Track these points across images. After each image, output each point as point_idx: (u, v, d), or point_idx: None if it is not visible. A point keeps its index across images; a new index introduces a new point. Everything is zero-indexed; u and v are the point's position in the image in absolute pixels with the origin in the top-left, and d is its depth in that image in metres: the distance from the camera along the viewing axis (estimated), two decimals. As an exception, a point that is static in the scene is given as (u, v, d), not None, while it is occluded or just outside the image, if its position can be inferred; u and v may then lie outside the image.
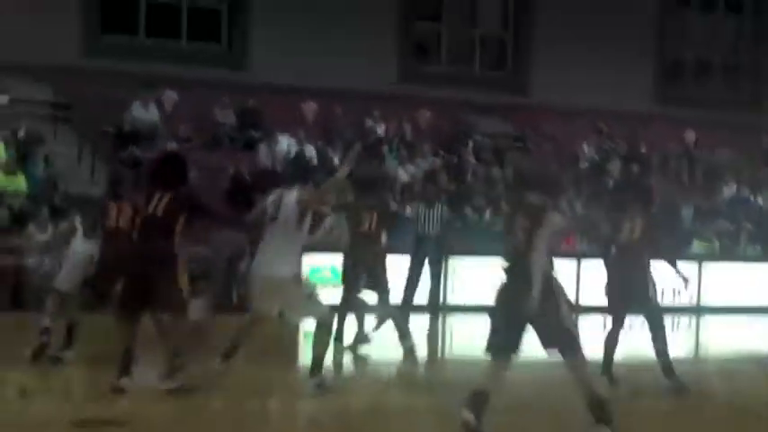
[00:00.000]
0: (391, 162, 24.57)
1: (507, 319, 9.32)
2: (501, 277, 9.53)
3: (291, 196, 11.20)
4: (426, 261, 18.61)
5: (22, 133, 21.49)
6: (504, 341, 9.37)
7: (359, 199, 14.80)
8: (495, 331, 9.45)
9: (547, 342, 9.34)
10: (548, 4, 28.64)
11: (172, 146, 22.15)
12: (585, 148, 27.18)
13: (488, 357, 9.46)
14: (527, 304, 9.06)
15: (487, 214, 23.64)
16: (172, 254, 10.97)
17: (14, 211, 19.85)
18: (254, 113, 24.78)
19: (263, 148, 23.76)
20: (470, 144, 26.24)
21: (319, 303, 11.37)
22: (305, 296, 11.21)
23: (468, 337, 17.77)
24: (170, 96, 24.23)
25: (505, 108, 27.77)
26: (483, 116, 27.54)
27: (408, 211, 20.33)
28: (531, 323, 9.25)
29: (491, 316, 9.49)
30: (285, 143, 24.01)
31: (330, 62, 25.45)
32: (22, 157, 20.98)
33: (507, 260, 9.49)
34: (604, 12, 28.43)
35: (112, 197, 12.83)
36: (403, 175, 24.30)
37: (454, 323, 19.90)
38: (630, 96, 28.41)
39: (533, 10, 28.81)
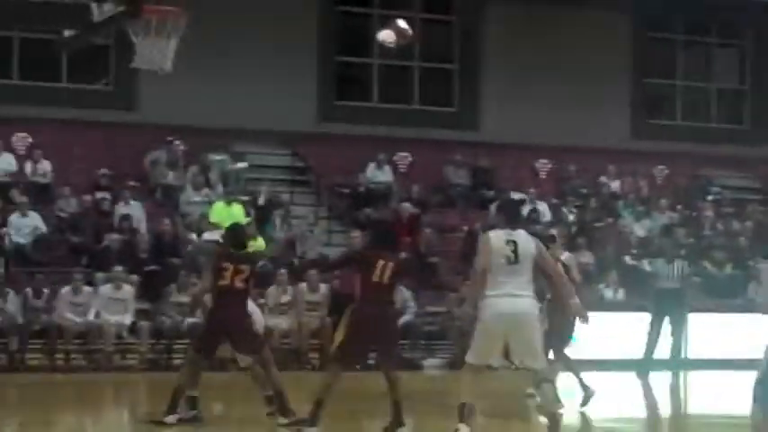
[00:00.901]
0: (627, 217, 24.25)
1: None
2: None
3: (530, 244, 10.84)
4: (667, 317, 18.26)
5: (261, 197, 22.03)
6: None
7: None
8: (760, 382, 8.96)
9: None
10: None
11: (406, 206, 22.41)
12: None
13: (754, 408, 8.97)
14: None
15: (728, 268, 23.06)
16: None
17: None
18: (486, 172, 24.81)
19: (495, 207, 23.72)
20: (709, 197, 25.67)
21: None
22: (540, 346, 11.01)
23: (710, 393, 17.31)
24: (403, 157, 24.54)
25: (744, 161, 27.06)
26: (721, 169, 26.93)
27: (647, 266, 19.94)
28: None
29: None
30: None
31: (561, 120, 25.31)
32: (262, 221, 21.46)
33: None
34: None
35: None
36: (639, 230, 23.93)
37: (695, 379, 19.38)
38: None
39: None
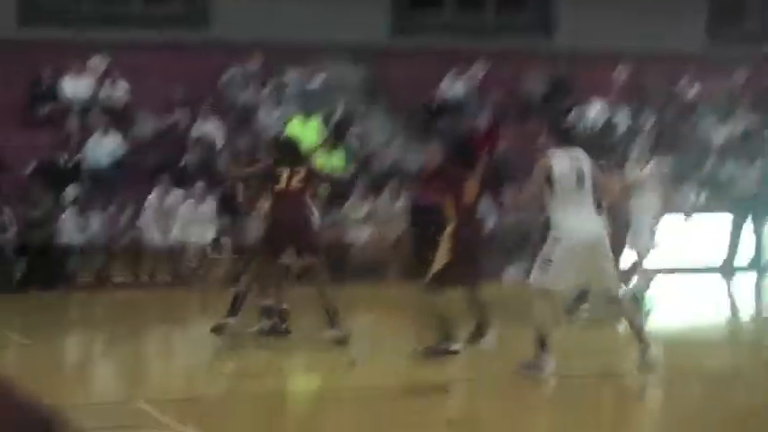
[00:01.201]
0: (706, 123, 23.97)
1: None
2: None
3: (588, 164, 10.66)
4: (748, 220, 18.09)
5: (337, 113, 22.04)
6: None
7: None
8: None
9: None
10: None
11: (482, 119, 22.30)
12: None
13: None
14: None
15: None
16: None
17: (333, 189, 20.35)
18: (563, 81, 24.61)
19: (574, 116, 23.54)
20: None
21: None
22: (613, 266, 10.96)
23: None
24: (478, 69, 24.35)
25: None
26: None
27: (726, 171, 19.76)
28: None
29: None
30: (596, 109, 23.75)
31: (638, 25, 25.00)
32: (338, 137, 21.49)
33: None
34: None
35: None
36: (718, 135, 23.66)
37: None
38: None
39: None
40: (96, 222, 18.43)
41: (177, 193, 19.25)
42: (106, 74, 22.25)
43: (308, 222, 12.27)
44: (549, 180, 10.30)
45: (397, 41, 24.27)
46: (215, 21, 22.87)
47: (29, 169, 19.78)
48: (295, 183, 11.99)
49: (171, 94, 21.91)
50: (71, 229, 18.14)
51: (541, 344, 10.26)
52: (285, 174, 12.03)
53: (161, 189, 19.21)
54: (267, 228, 12.44)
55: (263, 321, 12.56)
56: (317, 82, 22.90)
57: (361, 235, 19.23)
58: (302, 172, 12.09)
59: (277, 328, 12.57)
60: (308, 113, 21.32)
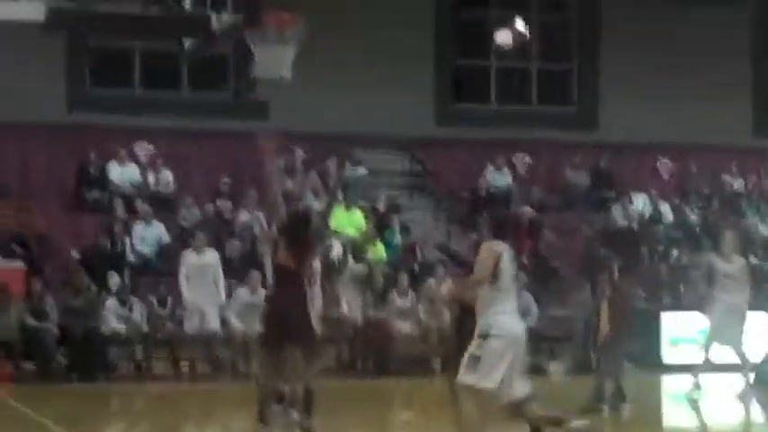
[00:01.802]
0: (751, 216, 23.79)
1: None
2: None
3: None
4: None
5: (380, 203, 22.05)
6: None
7: None
8: None
9: None
10: None
11: (526, 209, 22.23)
12: None
13: None
14: None
15: None
16: None
17: (377, 278, 20.28)
18: (606, 173, 24.54)
19: (617, 208, 23.45)
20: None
21: None
22: None
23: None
24: (522, 159, 24.38)
25: None
26: None
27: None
28: None
29: None
30: (640, 202, 23.66)
31: (682, 117, 24.94)
32: (381, 226, 21.49)
33: None
34: None
35: None
36: (764, 229, 23.48)
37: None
38: None
39: None
40: (138, 311, 18.40)
41: (221, 281, 19.07)
42: (152, 161, 22.39)
43: (300, 313, 11.02)
44: (495, 268, 9.98)
45: (441, 132, 24.35)
46: (262, 111, 23.02)
47: (73, 255, 19.86)
48: (294, 261, 10.96)
49: (215, 182, 22.00)
50: (113, 317, 18.12)
51: None
52: (283, 246, 11.04)
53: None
54: (262, 316, 11.60)
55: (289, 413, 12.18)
56: (361, 171, 22.95)
57: (405, 326, 19.10)
58: (305, 252, 11.03)
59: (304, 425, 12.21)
60: (351, 203, 21.41)
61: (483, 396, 9.83)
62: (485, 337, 9.71)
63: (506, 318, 9.76)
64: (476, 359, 9.70)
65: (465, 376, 9.75)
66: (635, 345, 16.61)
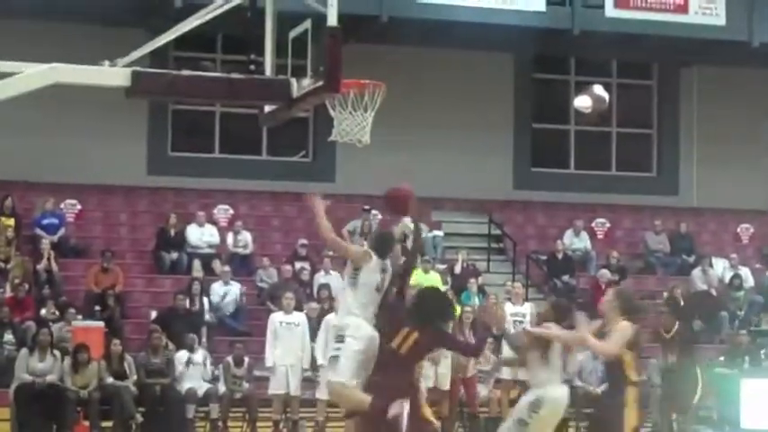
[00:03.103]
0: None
1: None
2: None
3: None
4: None
5: (458, 266, 22.03)
6: None
7: None
8: None
9: None
10: None
11: (604, 273, 22.09)
12: None
13: None
14: None
15: None
16: None
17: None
18: (686, 238, 24.37)
19: (696, 273, 23.24)
20: None
21: None
22: None
23: None
24: (601, 224, 24.31)
25: None
26: None
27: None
28: None
29: None
30: (721, 267, 23.45)
31: (762, 182, 24.78)
32: (459, 289, 21.44)
33: None
34: None
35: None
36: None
37: None
38: None
39: None
40: (215, 371, 18.48)
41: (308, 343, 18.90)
42: (230, 222, 22.58)
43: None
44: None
45: (519, 195, 24.36)
46: (339, 173, 23.17)
47: (152, 316, 20.05)
48: (407, 347, 9.72)
49: (293, 244, 22.11)
50: (190, 377, 18.21)
51: None
52: (402, 333, 9.74)
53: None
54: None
55: None
56: (439, 234, 22.98)
57: (485, 389, 19.01)
58: (422, 335, 9.69)
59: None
60: (429, 265, 21.38)
61: None
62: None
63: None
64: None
65: None
66: (715, 409, 16.39)
